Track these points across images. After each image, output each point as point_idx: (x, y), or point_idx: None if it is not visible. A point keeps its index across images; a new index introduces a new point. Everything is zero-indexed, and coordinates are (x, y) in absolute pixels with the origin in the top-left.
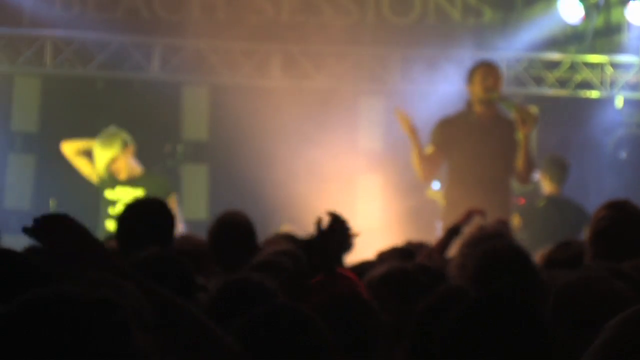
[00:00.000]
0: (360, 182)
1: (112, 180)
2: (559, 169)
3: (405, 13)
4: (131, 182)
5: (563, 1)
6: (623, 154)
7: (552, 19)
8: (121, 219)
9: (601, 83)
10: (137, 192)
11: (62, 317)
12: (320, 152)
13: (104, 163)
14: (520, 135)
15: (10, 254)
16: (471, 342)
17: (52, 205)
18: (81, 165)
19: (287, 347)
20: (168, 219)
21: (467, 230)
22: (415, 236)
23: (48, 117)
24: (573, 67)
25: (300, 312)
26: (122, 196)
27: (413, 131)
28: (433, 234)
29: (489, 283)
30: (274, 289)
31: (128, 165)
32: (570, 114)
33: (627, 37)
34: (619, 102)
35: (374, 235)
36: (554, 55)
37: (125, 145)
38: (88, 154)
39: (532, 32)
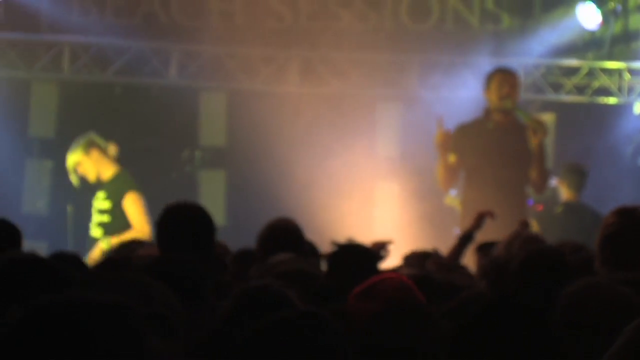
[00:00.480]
0: (378, 188)
1: (86, 185)
2: (577, 176)
3: (423, 19)
4: (99, 185)
5: (581, 8)
6: None
7: (570, 26)
8: (160, 224)
9: (619, 89)
10: (101, 196)
11: (73, 321)
12: (337, 159)
13: (70, 170)
14: (532, 144)
15: (35, 259)
16: (478, 346)
17: (69, 211)
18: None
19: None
20: (208, 224)
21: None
22: (433, 242)
23: (65, 123)
24: (591, 73)
25: (317, 317)
26: (95, 201)
27: (445, 144)
28: (450, 240)
29: (531, 284)
30: (293, 297)
31: (95, 168)
32: (588, 120)
33: None
34: (637, 108)
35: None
36: (572, 62)
37: (88, 147)
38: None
39: (550, 38)
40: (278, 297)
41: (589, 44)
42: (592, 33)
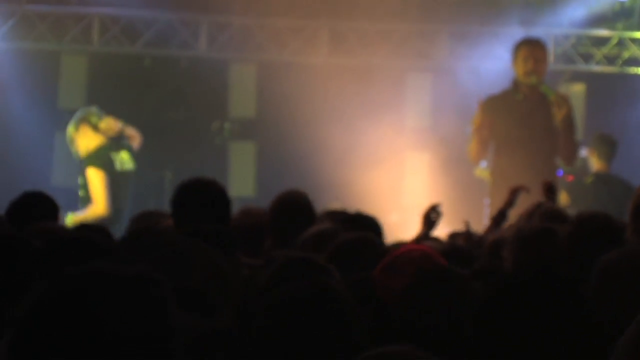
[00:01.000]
0: (408, 159)
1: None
2: (608, 146)
3: None
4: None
5: None
6: None
7: None
8: (176, 200)
9: None
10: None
11: (96, 292)
12: (367, 130)
13: (69, 145)
14: (557, 119)
15: (76, 235)
16: (507, 321)
17: None
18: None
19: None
20: (223, 198)
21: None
22: (463, 213)
23: (95, 95)
24: (621, 43)
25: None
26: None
27: (482, 126)
28: (481, 210)
29: (583, 251)
30: (330, 268)
31: (83, 143)
32: (618, 90)
33: None
34: None
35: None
36: (602, 32)
37: (79, 123)
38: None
39: (580, 8)
40: (316, 268)
41: (619, 14)
42: (622, 3)
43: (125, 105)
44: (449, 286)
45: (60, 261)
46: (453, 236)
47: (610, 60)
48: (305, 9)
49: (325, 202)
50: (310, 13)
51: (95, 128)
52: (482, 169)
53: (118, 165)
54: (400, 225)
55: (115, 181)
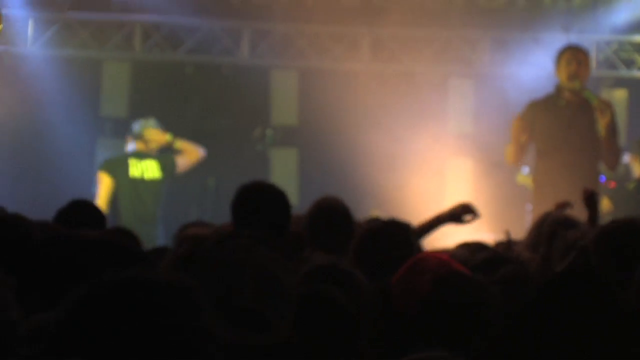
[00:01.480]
0: (450, 165)
1: None
2: None
3: None
4: None
5: None
6: None
7: None
8: (236, 203)
9: None
10: None
11: (129, 298)
12: (409, 136)
13: None
14: (600, 125)
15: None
16: (543, 321)
17: None
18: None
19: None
20: (283, 202)
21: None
22: (505, 219)
23: (137, 102)
24: None
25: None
26: None
27: (521, 132)
28: (523, 217)
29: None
30: (355, 273)
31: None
32: None
33: None
34: None
35: None
36: None
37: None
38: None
39: (622, 14)
40: (344, 276)
41: None
42: None
43: (167, 112)
44: (467, 292)
45: (91, 264)
46: (497, 246)
47: None
48: (346, 16)
49: (367, 209)
50: (351, 19)
51: (139, 137)
52: (524, 176)
53: (136, 172)
54: (443, 232)
55: (128, 187)
